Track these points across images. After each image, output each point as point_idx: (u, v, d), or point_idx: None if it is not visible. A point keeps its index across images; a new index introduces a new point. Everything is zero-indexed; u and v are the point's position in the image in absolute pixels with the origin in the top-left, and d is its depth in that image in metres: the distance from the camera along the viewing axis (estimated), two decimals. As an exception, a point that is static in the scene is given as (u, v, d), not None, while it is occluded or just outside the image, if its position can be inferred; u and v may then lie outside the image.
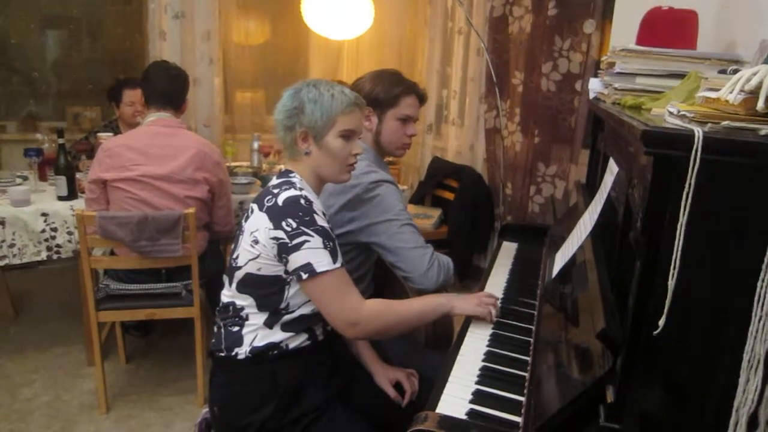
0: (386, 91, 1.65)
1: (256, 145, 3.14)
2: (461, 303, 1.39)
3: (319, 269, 1.23)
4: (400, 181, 3.84)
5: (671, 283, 0.76)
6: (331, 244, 1.27)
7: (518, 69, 3.16)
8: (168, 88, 2.23)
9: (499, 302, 1.46)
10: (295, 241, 1.23)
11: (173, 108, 2.25)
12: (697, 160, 0.72)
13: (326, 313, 1.28)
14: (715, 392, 0.79)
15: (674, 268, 0.75)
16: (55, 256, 2.38)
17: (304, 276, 1.24)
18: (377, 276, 1.78)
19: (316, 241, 1.24)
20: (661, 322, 0.77)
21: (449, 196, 3.49)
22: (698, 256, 0.76)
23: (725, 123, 0.79)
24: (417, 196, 3.68)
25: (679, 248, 0.74)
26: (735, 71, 0.84)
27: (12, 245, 2.31)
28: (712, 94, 0.84)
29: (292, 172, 1.35)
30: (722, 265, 0.76)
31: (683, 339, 0.79)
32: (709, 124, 0.79)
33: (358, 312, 1.26)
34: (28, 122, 3.68)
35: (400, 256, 1.55)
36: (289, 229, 1.24)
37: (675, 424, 0.83)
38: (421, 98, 1.72)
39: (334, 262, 1.25)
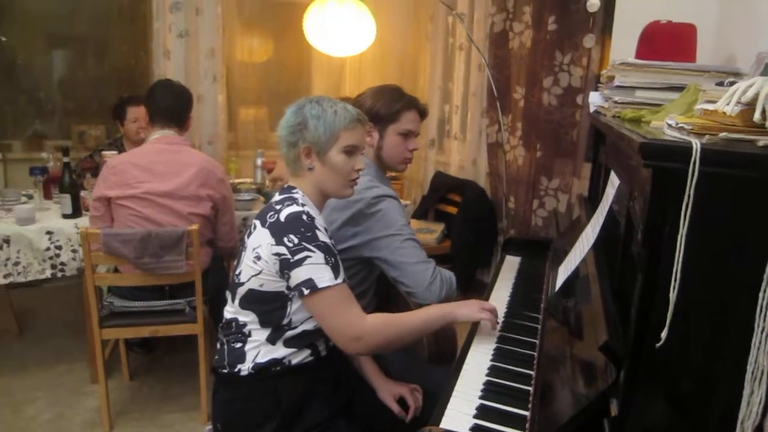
0: (387, 107, 1.67)
1: (259, 161, 3.16)
2: (464, 309, 1.38)
3: (320, 285, 1.23)
4: (403, 196, 3.85)
5: (673, 296, 0.76)
6: (332, 259, 1.27)
7: (519, 84, 3.18)
8: (172, 106, 2.25)
9: (501, 315, 1.45)
10: (296, 257, 1.24)
11: (177, 125, 2.27)
12: (696, 172, 0.72)
13: (328, 328, 1.28)
14: (719, 405, 0.79)
15: (675, 280, 0.75)
16: (59, 274, 2.38)
17: (306, 292, 1.24)
18: (379, 292, 1.78)
19: (318, 256, 1.25)
20: (664, 335, 0.77)
21: (452, 210, 3.49)
22: (699, 268, 0.76)
23: (723, 135, 0.79)
24: (420, 210, 3.68)
25: (680, 260, 0.74)
26: (732, 83, 0.85)
27: (17, 263, 2.32)
28: (710, 107, 0.85)
29: (294, 188, 1.36)
30: (723, 277, 0.76)
31: (686, 351, 0.79)
32: (707, 136, 0.79)
33: (360, 327, 1.25)
34: (34, 141, 3.71)
35: (403, 271, 1.56)
36: (291, 244, 1.24)
37: (680, 438, 0.83)
38: (422, 113, 1.74)
39: (336, 277, 1.25)
